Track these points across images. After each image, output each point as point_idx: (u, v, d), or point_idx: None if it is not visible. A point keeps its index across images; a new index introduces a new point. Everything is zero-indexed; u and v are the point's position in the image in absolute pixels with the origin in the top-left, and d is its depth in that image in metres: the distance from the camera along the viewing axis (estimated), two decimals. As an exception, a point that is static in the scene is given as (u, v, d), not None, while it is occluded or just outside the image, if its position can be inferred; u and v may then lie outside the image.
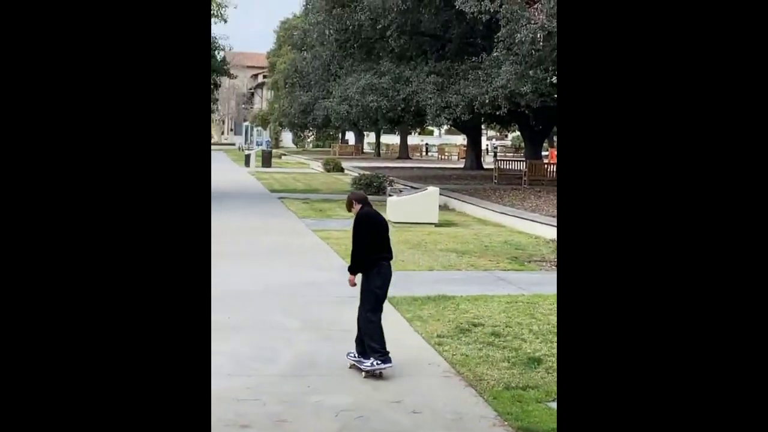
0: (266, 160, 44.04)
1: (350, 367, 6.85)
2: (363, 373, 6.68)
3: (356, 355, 6.83)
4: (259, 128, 73.48)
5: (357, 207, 7.15)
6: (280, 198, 24.56)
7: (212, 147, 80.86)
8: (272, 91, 66.21)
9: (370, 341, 6.69)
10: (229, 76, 30.34)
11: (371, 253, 6.93)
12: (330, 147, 62.62)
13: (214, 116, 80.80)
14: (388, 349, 6.68)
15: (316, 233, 15.98)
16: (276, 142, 71.96)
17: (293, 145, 74.63)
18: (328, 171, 39.59)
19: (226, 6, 22.57)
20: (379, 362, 6.65)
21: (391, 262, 7.05)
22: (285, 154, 60.23)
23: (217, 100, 35.88)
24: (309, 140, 73.69)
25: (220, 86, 33.00)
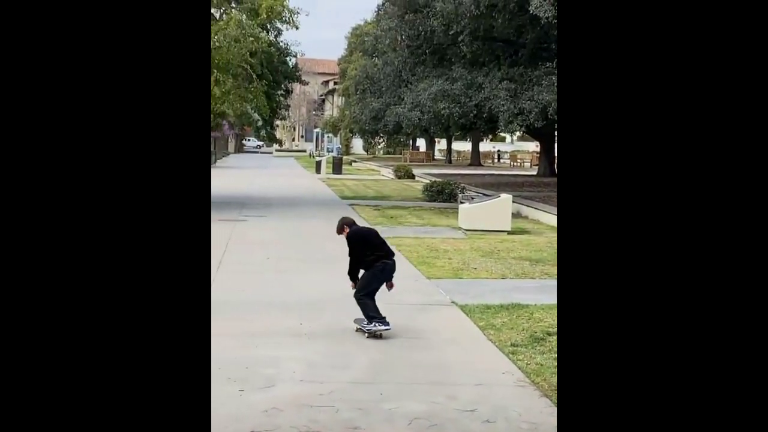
0: (337, 166, 44.39)
1: (356, 331, 8.39)
2: (366, 333, 8.19)
3: (364, 323, 8.32)
4: (330, 135, 74.10)
5: (347, 230, 8.67)
6: (350, 205, 24.74)
7: (282, 153, 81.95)
8: (343, 98, 66.70)
9: (368, 312, 8.26)
10: (301, 82, 30.78)
11: (370, 258, 8.53)
12: (401, 153, 62.77)
13: (285, 123, 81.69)
14: (384, 316, 8.25)
15: (388, 240, 16.04)
16: (346, 148, 72.47)
17: (364, 152, 75.04)
18: (399, 178, 39.71)
19: (297, 13, 22.86)
20: (378, 324, 8.20)
21: (394, 258, 8.81)
22: (355, 161, 60.58)
23: (288, 106, 36.34)
24: (380, 147, 74.00)
25: (291, 92, 33.44)
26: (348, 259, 8.67)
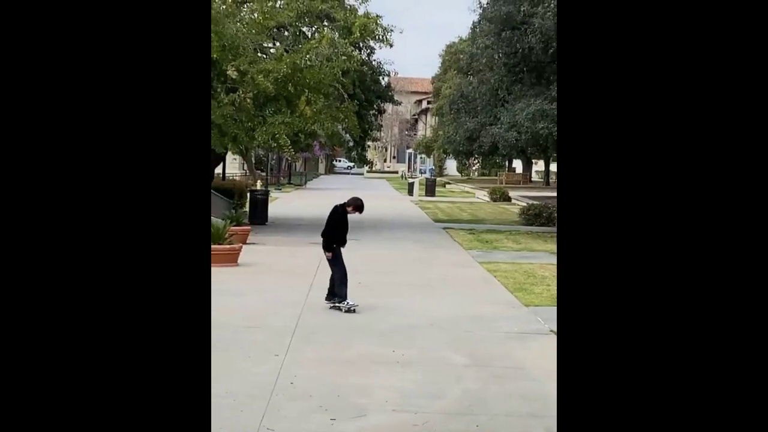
0: (430, 188, 44.45)
1: (330, 308, 10.86)
2: (343, 310, 10.70)
3: (333, 300, 10.92)
4: (423, 156, 74.28)
5: (350, 208, 11.21)
6: (444, 228, 24.72)
7: (374, 175, 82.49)
8: (436, 117, 66.85)
9: (342, 292, 10.81)
10: (393, 102, 30.96)
11: (342, 239, 11.18)
12: (496, 175, 62.48)
13: (377, 143, 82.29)
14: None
15: (483, 265, 15.97)
16: (440, 169, 72.52)
17: (458, 173, 74.96)
18: (495, 200, 39.50)
19: (391, 30, 23.05)
20: (350, 303, 10.75)
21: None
22: (449, 183, 60.55)
23: (380, 126, 36.59)
24: (474, 168, 73.79)
25: (383, 112, 33.69)
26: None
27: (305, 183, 60.34)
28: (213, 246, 15.09)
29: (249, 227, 20.38)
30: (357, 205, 11.24)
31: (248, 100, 20.44)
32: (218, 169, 28.79)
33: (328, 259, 11.07)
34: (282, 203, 35.63)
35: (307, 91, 20.61)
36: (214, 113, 19.31)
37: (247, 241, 18.13)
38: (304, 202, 37.16)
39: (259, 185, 29.47)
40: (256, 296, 11.90)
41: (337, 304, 10.84)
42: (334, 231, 11.09)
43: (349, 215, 11.25)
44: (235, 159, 46.11)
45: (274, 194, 37.77)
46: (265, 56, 21.39)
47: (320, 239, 11.45)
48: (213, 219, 17.06)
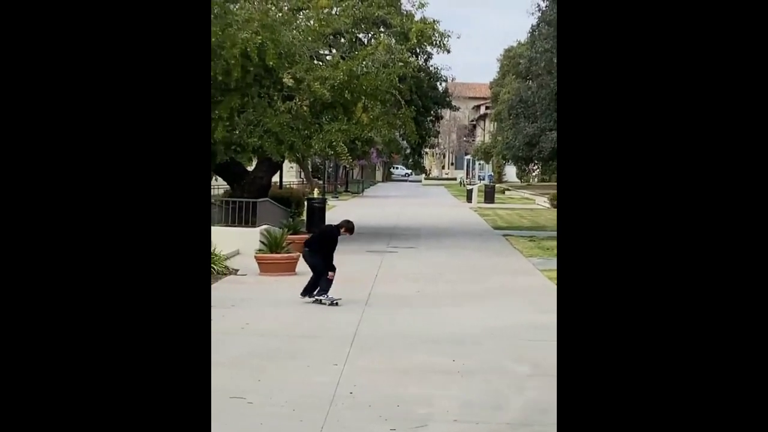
0: (489, 195, 44.27)
1: (314, 302, 11.99)
2: (328, 303, 11.85)
3: (313, 295, 12.06)
4: (481, 162, 74.02)
5: (343, 230, 12.72)
6: (504, 235, 24.59)
7: (431, 181, 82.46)
8: (495, 123, 66.58)
9: (328, 288, 12.01)
10: (451, 107, 30.88)
11: (318, 248, 12.42)
12: (557, 181, 61.87)
13: (435, 150, 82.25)
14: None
15: (544, 273, 15.85)
16: (499, 176, 72.16)
17: (517, 180, 74.51)
18: (555, 207, 39.20)
19: (448, 36, 23.01)
20: (333, 297, 11.94)
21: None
22: (508, 189, 60.23)
23: (438, 132, 36.55)
24: (534, 174, 73.29)
25: (441, 118, 33.64)
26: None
27: (362, 191, 60.54)
28: (271, 255, 15.23)
29: (307, 236, 20.50)
30: (349, 227, 12.84)
31: (305, 108, 20.58)
32: (275, 178, 29.01)
33: (320, 271, 12.16)
34: (339, 211, 35.78)
35: (363, 98, 20.68)
36: (271, 121, 19.49)
37: (305, 250, 18.22)
38: (362, 210, 37.29)
39: (316, 193, 29.61)
40: (314, 305, 11.95)
41: (318, 297, 12.00)
42: (332, 252, 12.38)
43: (340, 237, 12.70)
44: (291, 167, 46.44)
45: (331, 202, 37.95)
46: (321, 63, 21.52)
47: (378, 247, 11.60)
48: (270, 228, 17.22)
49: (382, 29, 23.58)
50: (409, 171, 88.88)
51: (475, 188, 45.87)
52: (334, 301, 11.93)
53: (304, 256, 12.67)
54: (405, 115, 21.91)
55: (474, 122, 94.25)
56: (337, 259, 12.45)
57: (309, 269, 12.44)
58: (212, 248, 15.16)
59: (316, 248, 12.39)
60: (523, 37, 53.25)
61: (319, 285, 12.09)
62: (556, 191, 47.38)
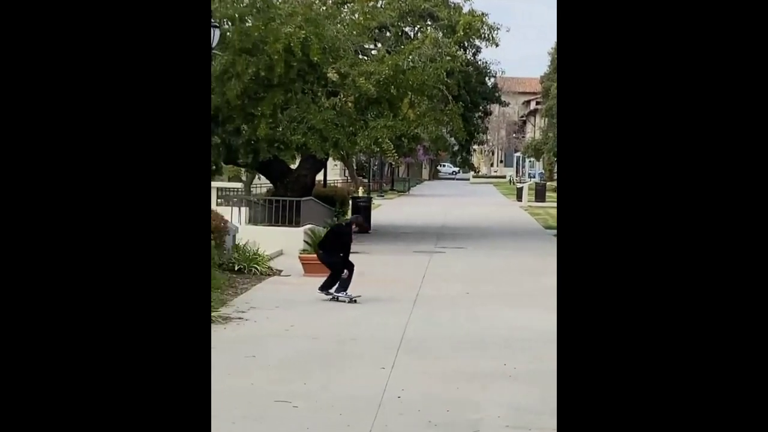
0: (539, 193, 44.01)
1: (331, 299, 12.29)
2: (347, 300, 12.21)
3: (330, 292, 12.36)
4: (532, 159, 73.56)
5: (354, 225, 13.67)
6: (556, 235, 24.42)
7: (480, 180, 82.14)
8: (546, 119, 66.15)
9: (346, 287, 12.35)
10: (500, 103, 30.71)
11: (332, 248, 13.01)
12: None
13: (483, 147, 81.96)
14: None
15: (598, 274, 15.68)
16: (550, 173, 71.68)
17: (569, 177, 73.78)
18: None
19: (497, 29, 22.90)
20: (351, 294, 12.29)
21: None
22: (560, 187, 59.71)
23: (486, 129, 36.37)
24: (586, 171, 72.62)
25: (490, 114, 33.47)
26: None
27: (408, 189, 60.56)
28: (315, 255, 15.28)
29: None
30: (359, 222, 14.20)
31: (349, 104, 20.64)
32: (319, 176, 29.15)
33: (339, 269, 12.54)
34: (385, 210, 35.85)
35: (410, 93, 20.68)
36: (315, 118, 19.58)
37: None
38: (408, 209, 37.31)
39: (361, 192, 29.74)
40: (360, 307, 11.98)
41: (337, 295, 12.35)
42: (348, 249, 12.90)
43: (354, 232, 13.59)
44: (336, 165, 46.62)
45: (376, 201, 38.04)
46: (366, 58, 21.57)
47: (426, 247, 11.63)
48: (315, 227, 17.30)
49: (428, 22, 23.56)
50: (457, 169, 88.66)
51: (526, 186, 45.63)
52: (353, 299, 12.24)
53: (319, 258, 13.15)
54: (452, 111, 21.86)
55: (524, 118, 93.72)
56: (383, 259, 12.49)
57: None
58: (255, 248, 15.30)
59: (330, 248, 12.92)
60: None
61: (337, 282, 12.44)
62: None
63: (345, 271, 12.48)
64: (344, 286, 12.42)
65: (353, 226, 13.65)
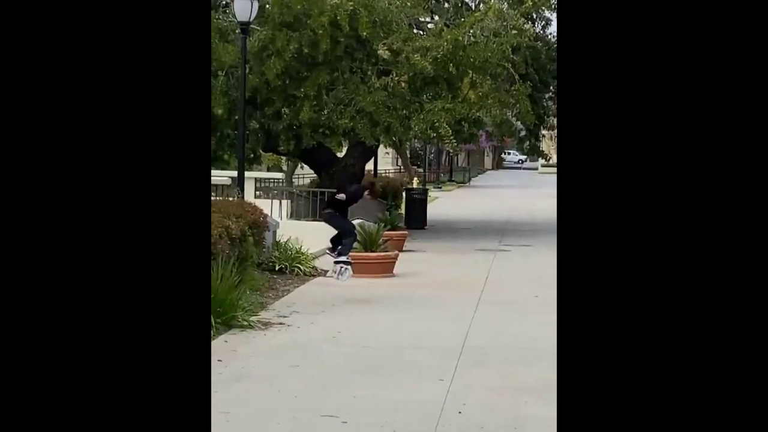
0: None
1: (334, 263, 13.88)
2: (339, 269, 13.73)
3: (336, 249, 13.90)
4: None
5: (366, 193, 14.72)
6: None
7: (549, 169, 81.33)
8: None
9: (345, 253, 13.82)
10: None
11: (337, 206, 14.15)
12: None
13: (554, 133, 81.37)
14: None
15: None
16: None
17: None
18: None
19: (570, -2, 22.70)
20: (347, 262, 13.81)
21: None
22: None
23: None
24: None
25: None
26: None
27: (469, 180, 60.49)
28: (366, 254, 15.31)
29: (406, 232, 20.60)
30: (373, 191, 15.37)
31: (403, 84, 20.64)
32: (369, 165, 29.21)
33: (347, 230, 14.07)
34: (442, 204, 35.87)
35: (471, 71, 20.62)
36: (364, 99, 19.59)
37: (404, 248, 18.31)
38: (469, 202, 37.28)
39: (415, 183, 29.71)
40: (416, 312, 12.00)
41: (338, 260, 13.72)
42: (347, 208, 14.45)
43: (368, 198, 14.89)
44: (387, 153, 46.72)
45: (432, 193, 38.07)
46: (421, 32, 21.56)
47: (489, 245, 11.66)
48: (365, 223, 17.33)
49: (492, -9, 23.43)
50: (524, 157, 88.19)
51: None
52: (344, 269, 13.72)
53: (329, 218, 14.17)
54: (519, 91, 21.66)
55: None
56: (441, 258, 12.47)
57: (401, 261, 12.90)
58: (298, 246, 15.38)
59: (339, 209, 14.15)
60: None
61: (340, 245, 13.81)
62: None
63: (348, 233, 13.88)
64: (344, 252, 13.79)
65: (366, 193, 14.66)
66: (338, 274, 13.73)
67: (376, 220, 19.02)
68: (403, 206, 27.50)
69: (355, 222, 18.38)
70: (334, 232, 14.27)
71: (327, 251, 14.59)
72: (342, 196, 14.21)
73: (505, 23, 20.76)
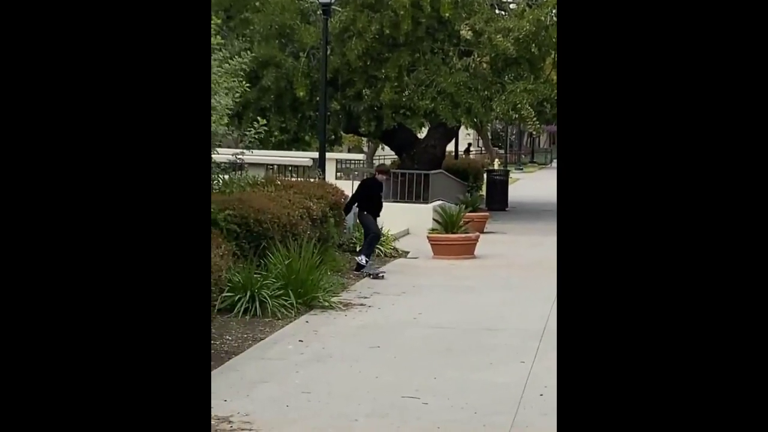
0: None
1: (369, 275, 12.94)
2: (371, 273, 12.93)
3: (360, 260, 13.24)
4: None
5: (378, 174, 14.55)
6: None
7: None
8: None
9: (368, 253, 13.38)
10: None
11: (360, 203, 14.03)
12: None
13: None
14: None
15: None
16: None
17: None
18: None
19: None
20: (369, 263, 13.28)
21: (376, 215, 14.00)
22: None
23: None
24: None
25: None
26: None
27: (551, 162, 59.94)
28: (446, 236, 15.31)
29: (487, 213, 20.54)
30: (383, 170, 15.47)
31: (485, 65, 20.55)
32: (450, 146, 29.15)
33: (366, 228, 13.82)
34: (523, 185, 35.65)
35: (553, 52, 20.40)
36: (445, 80, 19.54)
37: (485, 230, 18.26)
38: (551, 183, 36.94)
39: (496, 165, 29.61)
40: (497, 293, 11.96)
41: (359, 260, 13.26)
42: (366, 201, 13.87)
43: (383, 180, 14.48)
44: (468, 134, 46.59)
45: (514, 175, 37.85)
46: (504, 13, 21.40)
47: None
48: (446, 204, 17.31)
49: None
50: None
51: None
52: (377, 274, 13.05)
53: (360, 217, 14.11)
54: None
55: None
56: (522, 239, 12.40)
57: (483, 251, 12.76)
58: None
59: (360, 204, 13.97)
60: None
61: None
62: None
63: (371, 233, 13.47)
64: (366, 253, 13.35)
65: (377, 175, 14.50)
66: (373, 273, 13.20)
67: (457, 201, 18.98)
68: (484, 188, 27.40)
69: (436, 203, 18.39)
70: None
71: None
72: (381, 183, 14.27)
73: (589, 2, 20.52)
